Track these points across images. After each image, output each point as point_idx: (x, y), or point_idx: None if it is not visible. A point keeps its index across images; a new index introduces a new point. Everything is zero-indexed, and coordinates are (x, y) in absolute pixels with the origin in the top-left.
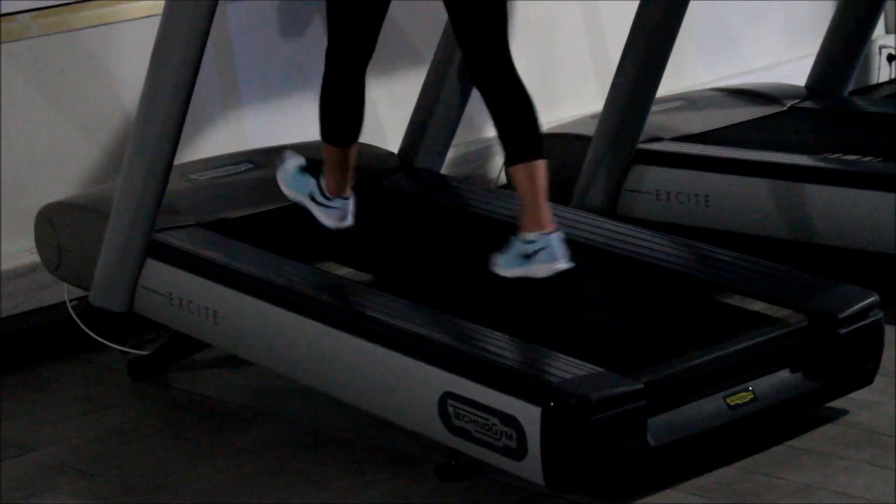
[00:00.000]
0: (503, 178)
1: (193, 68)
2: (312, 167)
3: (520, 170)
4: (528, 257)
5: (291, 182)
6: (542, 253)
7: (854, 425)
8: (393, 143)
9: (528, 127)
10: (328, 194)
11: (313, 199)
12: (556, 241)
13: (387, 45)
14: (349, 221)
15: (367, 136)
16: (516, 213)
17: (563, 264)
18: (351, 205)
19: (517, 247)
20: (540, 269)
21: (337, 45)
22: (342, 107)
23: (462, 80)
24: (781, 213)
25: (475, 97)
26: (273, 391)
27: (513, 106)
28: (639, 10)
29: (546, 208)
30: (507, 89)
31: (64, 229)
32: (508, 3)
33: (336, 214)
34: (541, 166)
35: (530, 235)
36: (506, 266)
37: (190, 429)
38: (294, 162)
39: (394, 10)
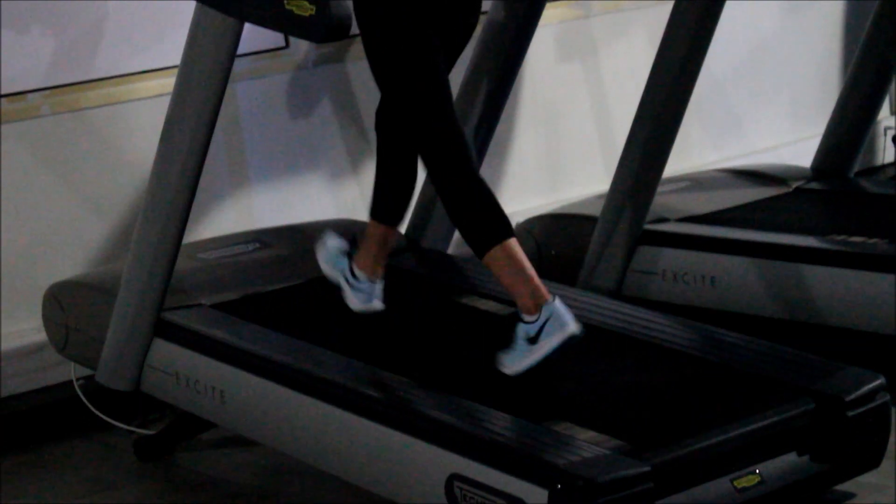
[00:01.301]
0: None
1: (203, 148)
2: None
3: (493, 255)
4: (534, 338)
5: (331, 259)
6: (548, 324)
7: None
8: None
9: (490, 209)
10: (358, 271)
11: (346, 280)
12: (559, 307)
13: None
14: (376, 305)
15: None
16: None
17: (573, 327)
18: (378, 289)
19: (520, 333)
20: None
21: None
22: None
23: None
24: (787, 294)
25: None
26: (279, 471)
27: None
28: (645, 91)
29: (538, 281)
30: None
31: (71, 308)
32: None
33: (362, 296)
34: (515, 244)
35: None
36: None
37: None
38: (336, 243)
39: None
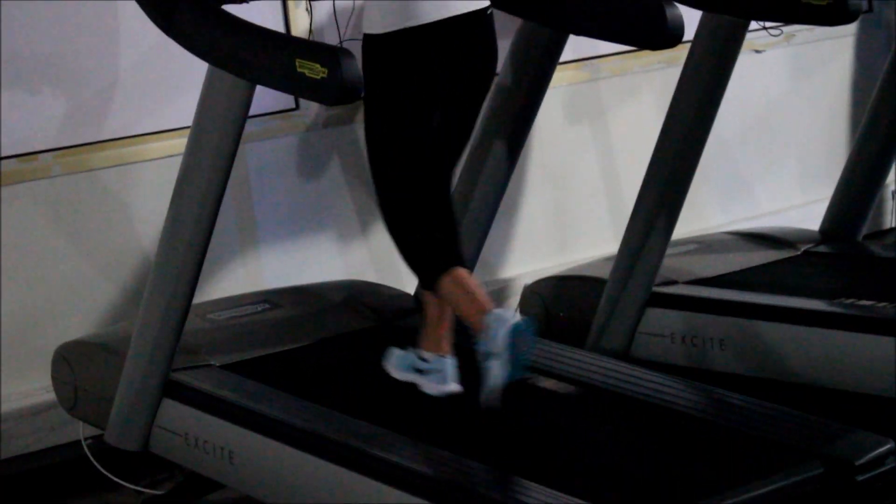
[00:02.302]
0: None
1: (214, 208)
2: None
3: (446, 282)
4: (419, 372)
5: (397, 363)
6: (434, 374)
7: None
8: (409, 284)
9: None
10: (425, 353)
11: (417, 370)
12: (450, 365)
13: None
14: (452, 386)
15: (383, 276)
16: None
17: (453, 387)
18: (450, 365)
19: (412, 359)
20: (429, 388)
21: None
22: (430, 227)
23: (477, 222)
24: (796, 357)
25: (490, 239)
26: None
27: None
28: (654, 154)
29: (448, 333)
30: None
31: (81, 368)
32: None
33: (435, 378)
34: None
35: (427, 354)
36: (398, 367)
37: None
38: (397, 349)
39: None
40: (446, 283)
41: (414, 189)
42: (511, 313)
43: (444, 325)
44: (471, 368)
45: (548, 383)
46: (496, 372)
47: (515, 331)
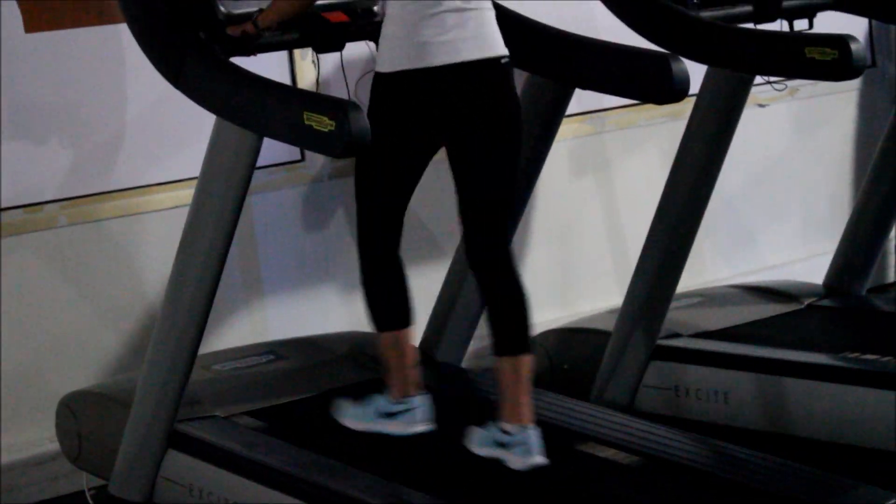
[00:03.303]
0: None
1: (220, 259)
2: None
3: (505, 362)
4: (503, 446)
5: (353, 415)
6: (518, 447)
7: None
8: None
9: (519, 322)
10: (395, 399)
11: (382, 415)
12: (533, 436)
13: (408, 238)
14: (424, 425)
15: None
16: (498, 402)
17: (538, 459)
18: (419, 403)
19: (494, 433)
20: (515, 462)
21: (369, 229)
22: (385, 290)
23: None
24: (800, 411)
25: None
26: None
27: (507, 299)
28: (659, 207)
29: (527, 403)
30: (502, 282)
31: (85, 418)
32: (521, 196)
33: (404, 418)
34: (527, 361)
35: (508, 427)
36: (480, 445)
37: None
38: (346, 402)
39: (416, 204)
40: (505, 362)
41: (372, 220)
42: (539, 446)
43: (409, 366)
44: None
45: (552, 436)
46: (483, 448)
47: (528, 467)
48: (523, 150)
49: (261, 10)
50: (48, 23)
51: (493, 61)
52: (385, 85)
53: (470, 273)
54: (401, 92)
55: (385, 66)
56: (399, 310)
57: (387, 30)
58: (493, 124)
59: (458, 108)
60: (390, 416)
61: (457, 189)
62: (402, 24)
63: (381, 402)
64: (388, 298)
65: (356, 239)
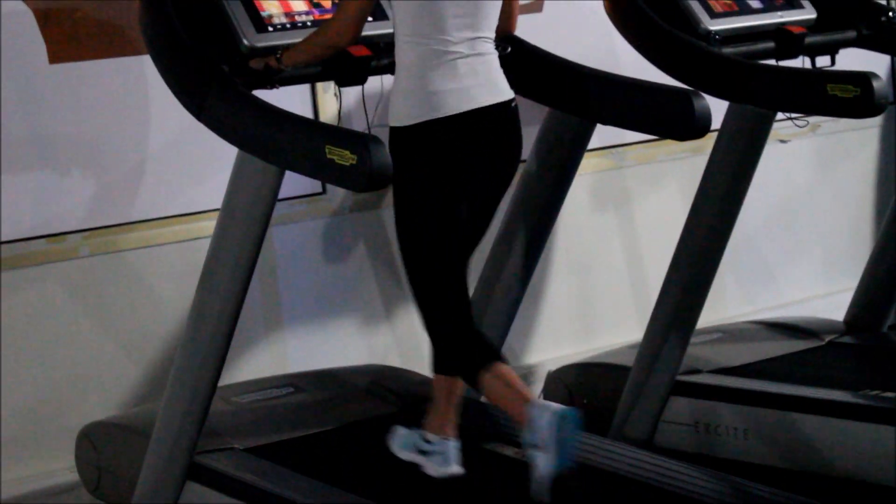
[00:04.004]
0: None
1: (241, 291)
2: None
3: (488, 377)
4: (423, 453)
5: (401, 443)
6: (436, 456)
7: None
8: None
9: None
10: (430, 434)
11: (420, 451)
12: (453, 448)
13: None
14: (454, 469)
15: (407, 361)
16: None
17: (455, 469)
18: (453, 448)
19: (416, 440)
20: (431, 469)
21: (436, 296)
22: (462, 337)
23: (503, 308)
24: (820, 448)
25: (514, 324)
26: None
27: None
28: (680, 242)
29: (453, 416)
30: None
31: (104, 449)
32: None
33: (438, 460)
34: (505, 367)
35: (430, 436)
36: (401, 447)
37: None
38: (402, 428)
39: None
40: (487, 378)
41: (444, 283)
42: (555, 404)
43: (450, 408)
44: (473, 451)
45: (570, 472)
46: (543, 463)
47: (560, 421)
48: (545, 185)
49: (285, 48)
50: (72, 54)
51: (505, 105)
52: (403, 139)
53: (489, 308)
54: (420, 144)
55: (401, 120)
56: (484, 349)
57: (398, 84)
58: (500, 167)
59: (472, 154)
60: (423, 453)
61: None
62: (413, 77)
63: (418, 438)
64: (462, 347)
65: (422, 318)
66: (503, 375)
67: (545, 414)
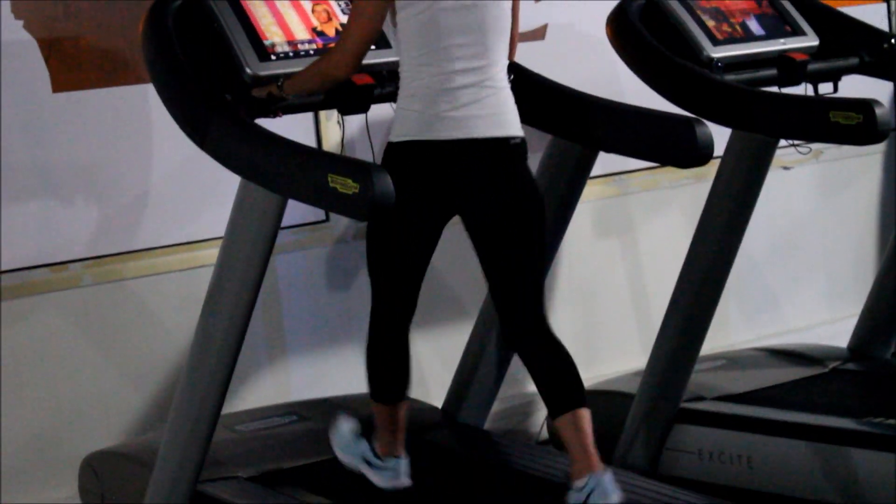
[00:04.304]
0: (545, 433)
1: (245, 319)
2: (366, 427)
3: (565, 420)
4: (369, 465)
5: (344, 446)
6: (594, 494)
7: None
8: (437, 398)
9: (570, 380)
10: (380, 455)
11: (367, 462)
12: (607, 480)
13: (432, 299)
14: (403, 481)
15: (412, 390)
16: (568, 469)
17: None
18: (404, 465)
19: (364, 451)
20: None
21: (380, 302)
22: (388, 364)
23: None
24: (824, 476)
25: None
26: None
27: (553, 368)
28: (683, 269)
29: (593, 452)
30: (545, 353)
31: (108, 478)
32: (547, 260)
33: (388, 475)
34: (585, 414)
35: (580, 482)
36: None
37: None
38: (347, 426)
39: (440, 265)
40: (564, 420)
41: (391, 300)
42: (615, 488)
43: (399, 430)
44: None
45: None
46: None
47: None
48: (548, 212)
49: (287, 77)
50: (75, 83)
51: (503, 141)
52: (395, 154)
53: (493, 335)
54: (410, 161)
55: (396, 136)
56: (398, 385)
57: (401, 103)
58: (502, 203)
59: (466, 184)
60: (370, 465)
61: (484, 272)
62: (416, 98)
63: (366, 449)
64: (390, 374)
65: (371, 309)
66: (582, 427)
67: (603, 496)
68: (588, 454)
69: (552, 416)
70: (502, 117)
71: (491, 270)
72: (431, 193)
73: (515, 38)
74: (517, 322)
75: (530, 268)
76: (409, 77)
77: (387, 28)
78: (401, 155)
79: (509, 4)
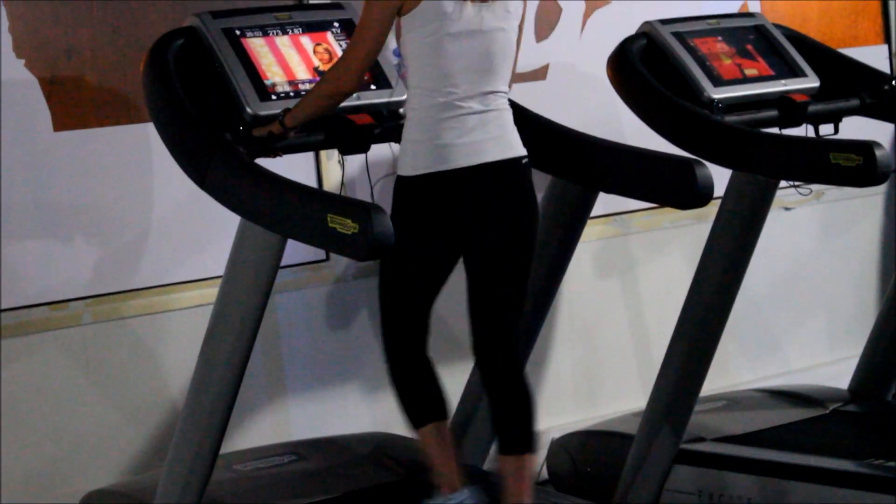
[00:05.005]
0: (545, 473)
1: (244, 359)
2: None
3: (509, 461)
4: None
5: None
6: None
7: None
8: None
9: (525, 421)
10: (444, 492)
11: None
12: (469, 496)
13: (432, 341)
14: None
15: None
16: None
17: None
18: (468, 495)
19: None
20: None
21: (393, 330)
22: (413, 383)
23: None
24: None
25: None
26: None
27: (513, 398)
28: (683, 309)
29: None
30: (508, 380)
31: None
32: (545, 298)
33: None
34: (531, 461)
35: (446, 494)
36: None
37: None
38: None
39: (440, 307)
40: (510, 461)
41: (408, 328)
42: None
43: (450, 457)
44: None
45: None
46: None
47: None
48: (548, 252)
49: (287, 110)
50: (76, 121)
51: (515, 162)
52: (408, 188)
53: None
54: (424, 194)
55: (408, 170)
56: (435, 402)
57: (408, 134)
58: (511, 223)
59: (480, 208)
60: None
61: (468, 284)
62: (423, 128)
63: (440, 500)
64: (422, 393)
65: (382, 341)
66: (524, 473)
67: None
68: (521, 496)
69: (500, 451)
70: (508, 138)
71: (478, 286)
72: (445, 223)
73: (514, 70)
74: (491, 340)
75: (516, 288)
76: (414, 101)
77: (387, 68)
78: (413, 188)
79: (515, 35)
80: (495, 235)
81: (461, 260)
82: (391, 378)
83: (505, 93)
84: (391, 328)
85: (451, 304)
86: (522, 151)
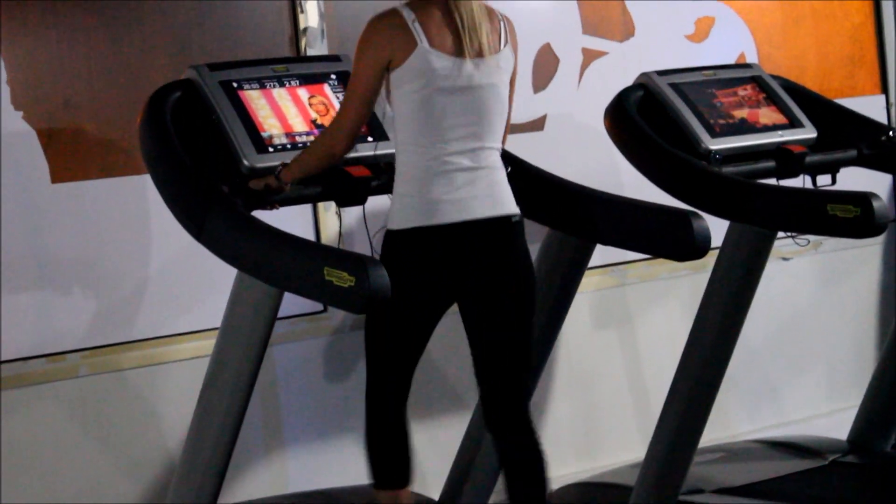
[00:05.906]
0: None
1: (241, 411)
2: None
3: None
4: None
5: None
6: None
7: None
8: (434, 489)
9: (538, 486)
10: None
11: None
12: None
13: (429, 391)
14: None
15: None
16: None
17: None
18: None
19: None
20: None
21: (377, 387)
22: (387, 447)
23: None
24: None
25: None
26: None
27: (525, 462)
28: (682, 360)
29: None
30: (521, 444)
31: None
32: (543, 349)
33: None
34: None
35: None
36: None
37: None
38: None
39: (437, 356)
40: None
41: (390, 387)
42: None
43: None
44: None
45: None
46: None
47: None
48: (545, 303)
49: (284, 165)
50: (74, 173)
51: (504, 220)
52: (396, 242)
53: None
54: (413, 249)
55: (396, 224)
56: (403, 470)
57: (398, 188)
58: (504, 283)
59: (468, 266)
60: None
61: (471, 349)
62: (412, 183)
63: None
64: (394, 460)
65: (365, 400)
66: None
67: None
68: None
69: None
70: (498, 197)
71: (481, 351)
72: (434, 279)
73: (508, 124)
74: (501, 405)
75: (520, 350)
76: (404, 157)
77: (385, 120)
78: (402, 242)
79: (506, 90)
80: (485, 294)
81: (459, 315)
82: (367, 437)
83: (497, 149)
84: (376, 388)
85: (449, 358)
86: (513, 209)
